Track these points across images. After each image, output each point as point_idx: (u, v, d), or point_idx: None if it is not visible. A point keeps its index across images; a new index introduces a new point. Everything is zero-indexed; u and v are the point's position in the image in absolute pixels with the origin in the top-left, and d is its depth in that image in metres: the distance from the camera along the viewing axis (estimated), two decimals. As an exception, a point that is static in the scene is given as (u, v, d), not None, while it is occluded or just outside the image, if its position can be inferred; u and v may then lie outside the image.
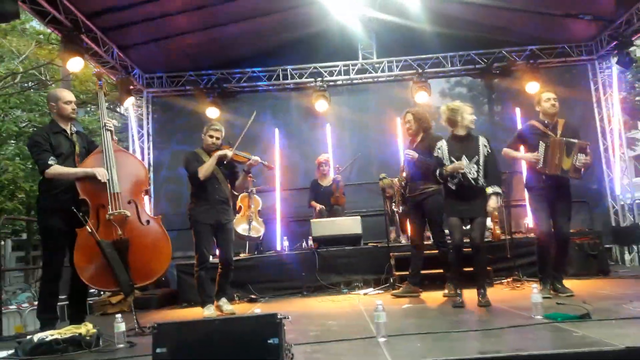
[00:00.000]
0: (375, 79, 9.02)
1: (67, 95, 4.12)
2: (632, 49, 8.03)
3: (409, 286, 5.20)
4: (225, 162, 4.93)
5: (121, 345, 3.41)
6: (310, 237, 6.78)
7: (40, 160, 3.87)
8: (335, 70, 8.86)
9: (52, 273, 3.98)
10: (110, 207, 3.88)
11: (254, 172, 5.85)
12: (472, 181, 4.27)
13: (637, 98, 14.03)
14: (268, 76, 8.90)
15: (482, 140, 4.39)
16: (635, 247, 8.09)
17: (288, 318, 2.62)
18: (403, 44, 8.74)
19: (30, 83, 17.42)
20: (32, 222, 18.54)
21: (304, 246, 7.11)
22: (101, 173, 3.88)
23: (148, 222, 4.05)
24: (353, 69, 8.85)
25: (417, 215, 5.23)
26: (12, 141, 16.74)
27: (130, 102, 8.05)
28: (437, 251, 5.20)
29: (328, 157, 7.78)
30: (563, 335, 2.86)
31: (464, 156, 4.33)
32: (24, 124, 17.25)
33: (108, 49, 7.49)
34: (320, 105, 8.41)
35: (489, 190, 4.28)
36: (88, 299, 4.80)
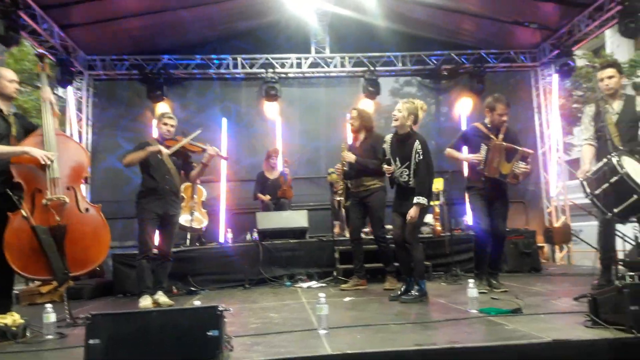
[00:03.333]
0: (327, 74, 9.02)
1: (10, 74, 3.91)
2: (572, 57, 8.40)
3: (357, 279, 5.27)
4: (175, 153, 4.81)
5: (50, 337, 3.27)
6: (254, 230, 6.71)
7: None
8: (287, 63, 8.78)
9: None
10: (48, 192, 3.70)
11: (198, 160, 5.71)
12: (403, 183, 4.32)
13: (574, 105, 14.73)
14: (218, 64, 8.70)
15: (416, 146, 4.23)
16: (565, 247, 8.53)
17: (229, 310, 2.58)
18: (356, 39, 8.80)
19: (-40, 59, 16.27)
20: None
21: (248, 238, 7.04)
22: (42, 154, 3.65)
23: (87, 209, 3.89)
24: (305, 62, 8.81)
25: (359, 210, 5.29)
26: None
27: (67, 86, 7.73)
28: (376, 246, 5.29)
29: (278, 150, 7.73)
30: (496, 329, 2.98)
31: (397, 158, 4.35)
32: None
33: (48, 27, 7.10)
34: (269, 103, 8.46)
35: (414, 200, 4.15)
36: (14, 289, 4.53)
